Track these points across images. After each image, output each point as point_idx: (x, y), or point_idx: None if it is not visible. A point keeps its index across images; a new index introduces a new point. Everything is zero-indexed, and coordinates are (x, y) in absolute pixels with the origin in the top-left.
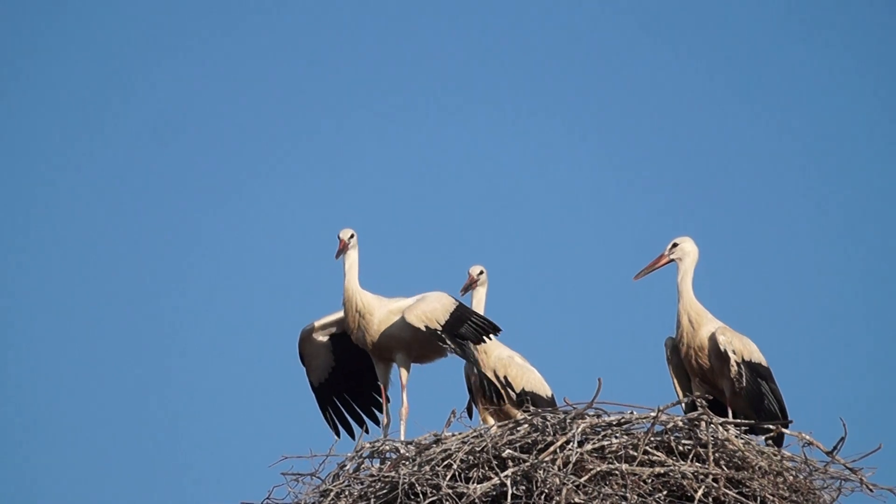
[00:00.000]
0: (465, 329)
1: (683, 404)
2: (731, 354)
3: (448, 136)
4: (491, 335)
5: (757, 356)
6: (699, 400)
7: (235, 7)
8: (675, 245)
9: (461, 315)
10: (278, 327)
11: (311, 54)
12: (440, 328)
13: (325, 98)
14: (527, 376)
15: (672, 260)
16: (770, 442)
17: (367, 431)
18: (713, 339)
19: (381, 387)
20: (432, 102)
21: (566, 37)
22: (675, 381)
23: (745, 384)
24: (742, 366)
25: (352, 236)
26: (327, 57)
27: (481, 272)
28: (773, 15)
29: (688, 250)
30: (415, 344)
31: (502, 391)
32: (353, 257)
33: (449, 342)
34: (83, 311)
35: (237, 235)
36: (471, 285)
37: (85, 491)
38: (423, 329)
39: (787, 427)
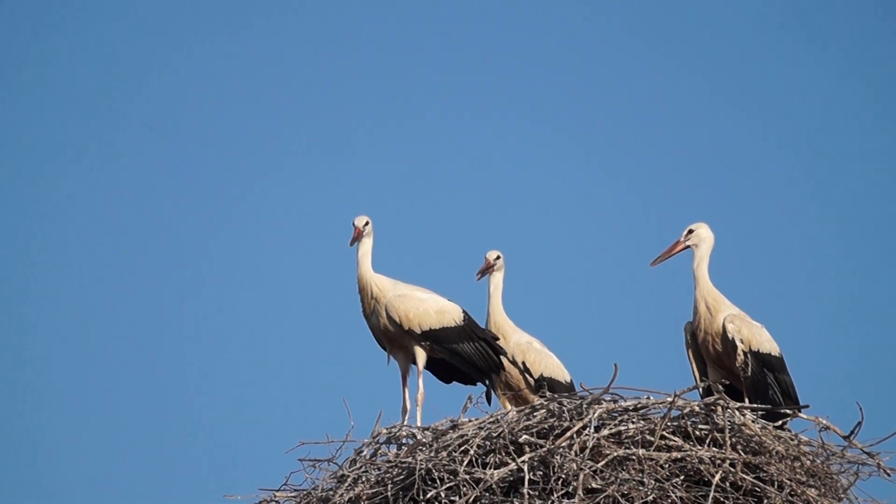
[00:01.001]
0: (467, 348)
1: (701, 389)
2: (738, 343)
3: (463, 129)
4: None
5: (767, 346)
6: (716, 385)
7: (245, 6)
8: (690, 231)
9: (462, 332)
10: (293, 314)
11: (319, 53)
12: (419, 332)
13: (335, 95)
14: (545, 361)
15: (688, 246)
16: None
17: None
18: (723, 325)
19: (401, 374)
20: (444, 99)
21: (577, 35)
22: (694, 365)
23: (749, 373)
24: (749, 355)
25: (366, 224)
26: (334, 56)
27: (498, 257)
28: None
29: (703, 236)
30: None
31: (521, 376)
32: (367, 245)
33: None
34: (104, 302)
35: (251, 226)
36: (487, 269)
37: (103, 478)
38: (399, 326)
39: (800, 412)
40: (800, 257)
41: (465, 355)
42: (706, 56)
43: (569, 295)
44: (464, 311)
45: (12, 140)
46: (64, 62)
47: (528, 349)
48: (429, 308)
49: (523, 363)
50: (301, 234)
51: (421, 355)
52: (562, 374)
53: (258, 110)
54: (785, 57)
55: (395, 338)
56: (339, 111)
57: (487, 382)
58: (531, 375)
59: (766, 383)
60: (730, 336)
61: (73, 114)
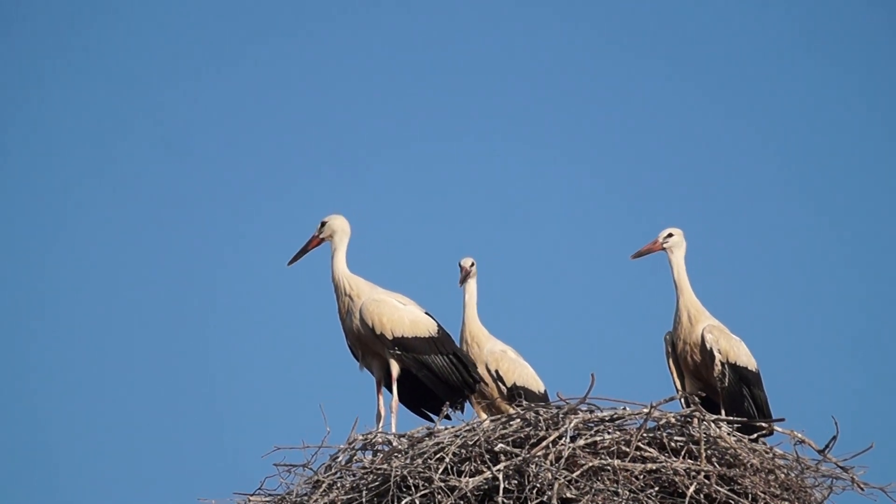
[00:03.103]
0: (439, 361)
1: (682, 400)
2: (716, 354)
3: (434, 135)
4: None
5: (744, 360)
6: (692, 397)
7: (257, 17)
8: (670, 235)
9: (433, 344)
10: (270, 320)
11: (320, 63)
12: (390, 338)
13: (335, 103)
14: (519, 371)
15: (664, 248)
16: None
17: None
18: (702, 336)
19: (375, 381)
20: (416, 106)
21: (553, 37)
22: (675, 375)
23: (726, 384)
24: (726, 366)
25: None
26: (335, 63)
27: (472, 263)
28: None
29: (680, 242)
30: None
31: (494, 385)
32: (339, 242)
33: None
34: (90, 310)
35: (227, 231)
36: (466, 276)
37: (75, 479)
38: (371, 330)
39: (776, 425)
40: (778, 271)
41: (435, 368)
42: (685, 57)
43: (545, 304)
44: (438, 325)
45: (29, 148)
46: (80, 73)
47: (501, 357)
48: (403, 316)
49: (497, 371)
50: (275, 239)
51: (395, 364)
52: (536, 384)
53: (276, 122)
54: (774, 61)
55: (367, 342)
56: (331, 118)
57: (459, 401)
58: (504, 384)
59: (742, 395)
60: (708, 346)
61: (87, 122)
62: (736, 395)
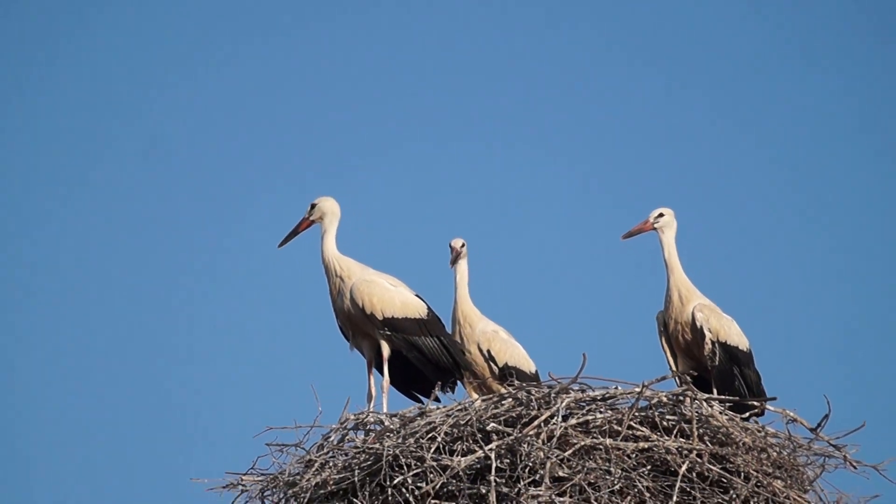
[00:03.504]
0: (429, 342)
1: (676, 378)
2: (706, 332)
3: (424, 119)
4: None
5: (735, 339)
6: (684, 376)
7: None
8: (661, 215)
9: (423, 325)
10: (262, 300)
11: (317, 61)
12: (380, 319)
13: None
14: (511, 351)
15: (654, 228)
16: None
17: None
18: (693, 315)
19: (366, 362)
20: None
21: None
22: (668, 354)
23: (717, 363)
24: (717, 345)
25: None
26: (333, 63)
27: (463, 244)
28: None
29: (670, 222)
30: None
31: (485, 365)
32: (330, 223)
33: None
34: (81, 287)
35: (230, 220)
36: (457, 258)
37: (70, 467)
38: (361, 310)
39: (768, 404)
40: (770, 250)
41: (426, 350)
42: (674, 52)
43: (537, 284)
44: (429, 308)
45: (17, 145)
46: (69, 69)
47: (493, 338)
48: (394, 296)
49: (488, 351)
50: (266, 221)
51: (385, 345)
52: (527, 364)
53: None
54: (767, 59)
55: (357, 323)
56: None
57: (451, 382)
58: (496, 364)
59: (732, 374)
60: (698, 325)
61: (75, 121)
62: (727, 374)
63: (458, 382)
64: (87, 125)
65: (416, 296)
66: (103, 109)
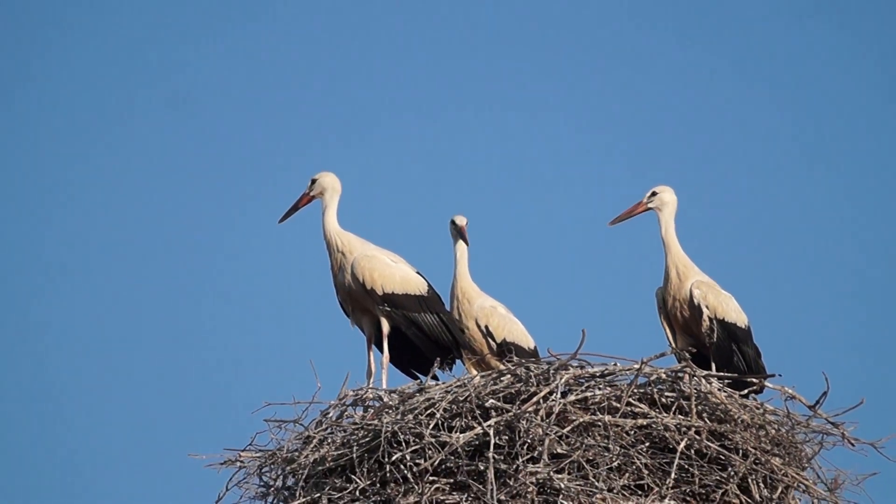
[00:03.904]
0: (428, 319)
1: (676, 355)
2: (703, 309)
3: (426, 98)
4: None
5: (733, 316)
6: (682, 353)
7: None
8: (654, 194)
9: (423, 302)
10: (261, 276)
11: (319, 57)
12: (380, 294)
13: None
14: (509, 327)
15: (650, 208)
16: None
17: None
18: (690, 291)
19: (366, 338)
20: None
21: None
22: (667, 331)
23: (715, 340)
24: (714, 322)
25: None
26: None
27: (466, 222)
28: None
29: (667, 200)
30: None
31: (483, 340)
32: (331, 200)
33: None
34: (86, 263)
35: (231, 197)
36: (464, 234)
37: (70, 443)
38: (362, 285)
39: (766, 381)
40: (769, 226)
41: (425, 327)
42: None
43: (537, 260)
44: (429, 285)
45: (20, 137)
46: (69, 70)
47: (491, 313)
48: (394, 272)
49: (486, 327)
50: (267, 197)
51: (385, 321)
52: (525, 340)
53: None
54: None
55: (357, 298)
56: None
57: (450, 360)
58: (494, 340)
59: (731, 351)
60: (696, 302)
61: (82, 111)
62: (725, 351)
63: (457, 360)
64: (88, 118)
65: (417, 272)
66: (123, 66)
